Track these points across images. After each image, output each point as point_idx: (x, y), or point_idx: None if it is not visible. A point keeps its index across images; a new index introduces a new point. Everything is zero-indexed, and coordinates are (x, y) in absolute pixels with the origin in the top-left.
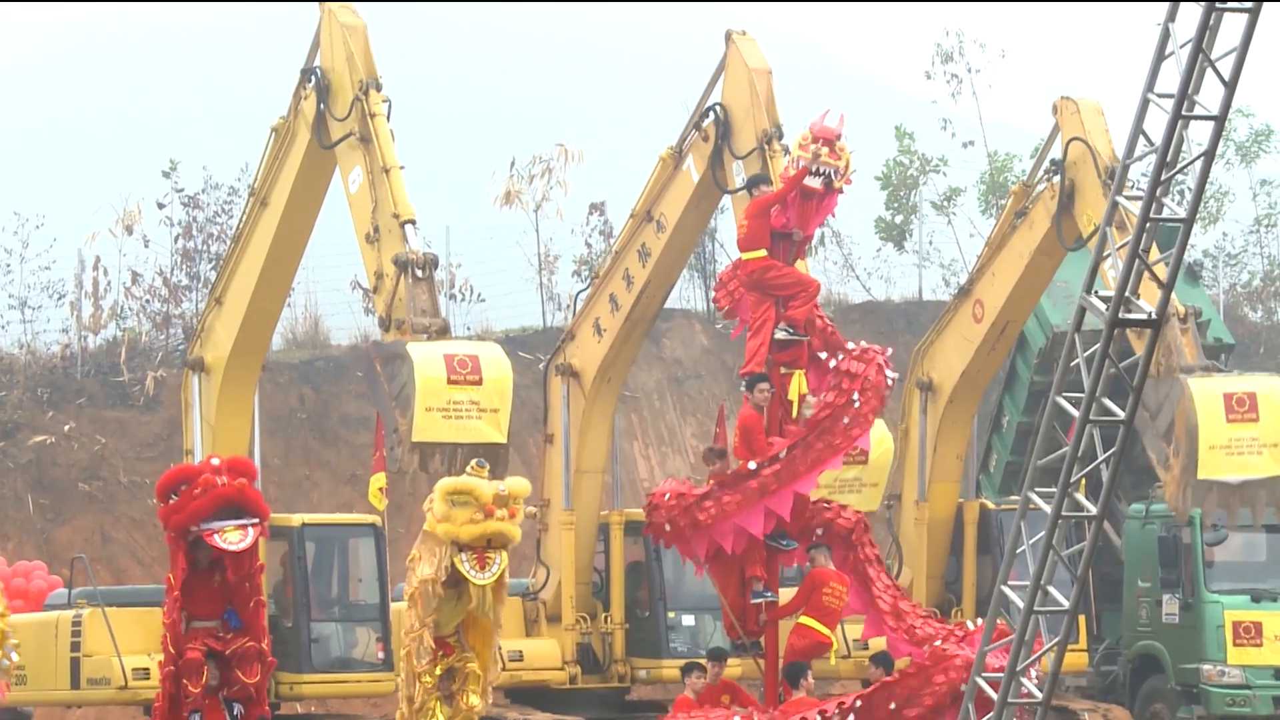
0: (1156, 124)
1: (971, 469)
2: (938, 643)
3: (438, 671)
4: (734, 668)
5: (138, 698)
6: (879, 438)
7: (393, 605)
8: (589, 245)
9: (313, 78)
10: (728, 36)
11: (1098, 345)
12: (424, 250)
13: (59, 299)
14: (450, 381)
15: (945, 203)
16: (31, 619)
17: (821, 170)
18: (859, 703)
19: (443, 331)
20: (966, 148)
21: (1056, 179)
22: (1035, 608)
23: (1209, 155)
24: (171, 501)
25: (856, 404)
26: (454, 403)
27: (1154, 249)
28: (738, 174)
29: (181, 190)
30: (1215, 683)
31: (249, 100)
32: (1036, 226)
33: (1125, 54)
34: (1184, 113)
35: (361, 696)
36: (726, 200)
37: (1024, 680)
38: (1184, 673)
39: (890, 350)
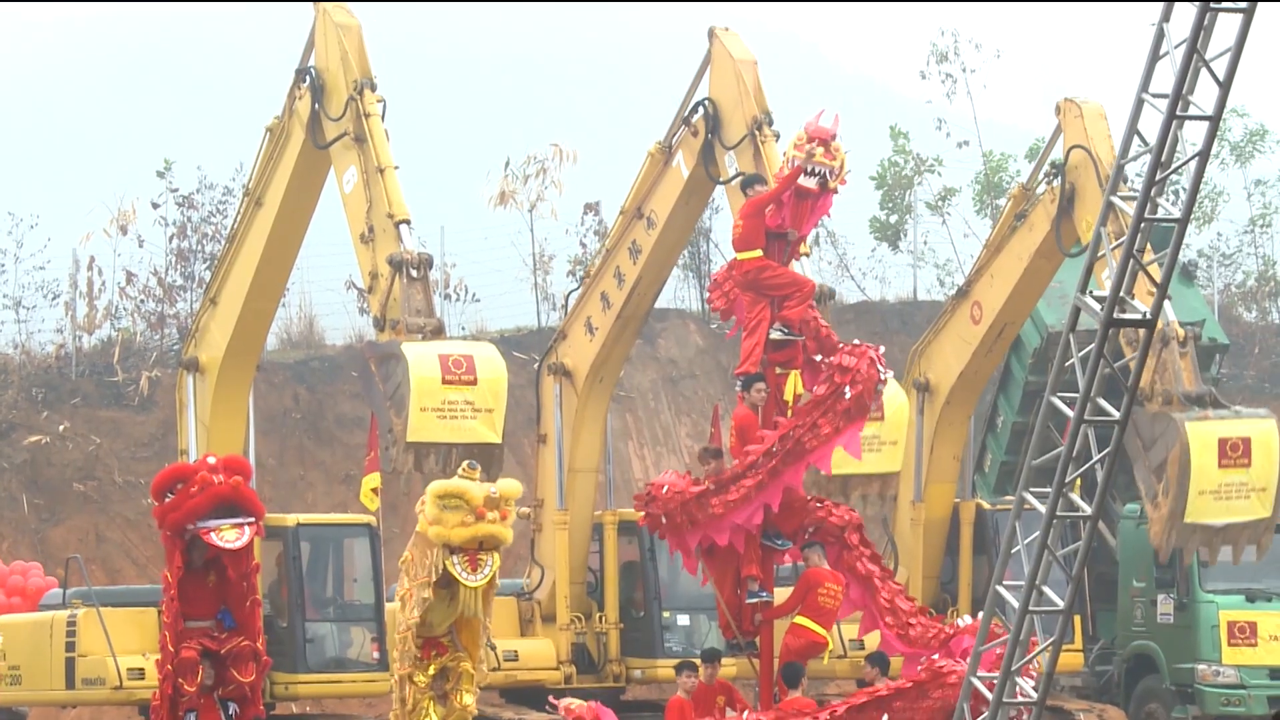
0: (1151, 124)
1: (967, 469)
2: (935, 656)
3: (431, 671)
4: (729, 667)
5: (132, 698)
6: (892, 394)
7: (387, 605)
8: (583, 245)
9: (307, 77)
10: (710, 33)
11: (1092, 345)
12: (419, 250)
13: (54, 299)
14: (445, 381)
15: (940, 203)
16: (26, 619)
17: (816, 170)
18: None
19: (437, 331)
20: (961, 148)
21: (1057, 182)
22: (1030, 608)
23: (1203, 155)
24: (167, 500)
25: (847, 396)
26: (449, 403)
27: (1148, 249)
28: (731, 166)
29: (176, 190)
30: (1210, 682)
31: (244, 100)
32: (1036, 229)
33: (1120, 54)
34: (1178, 113)
35: (356, 696)
36: (719, 200)
37: (1019, 680)
38: (1179, 672)
39: (883, 348)
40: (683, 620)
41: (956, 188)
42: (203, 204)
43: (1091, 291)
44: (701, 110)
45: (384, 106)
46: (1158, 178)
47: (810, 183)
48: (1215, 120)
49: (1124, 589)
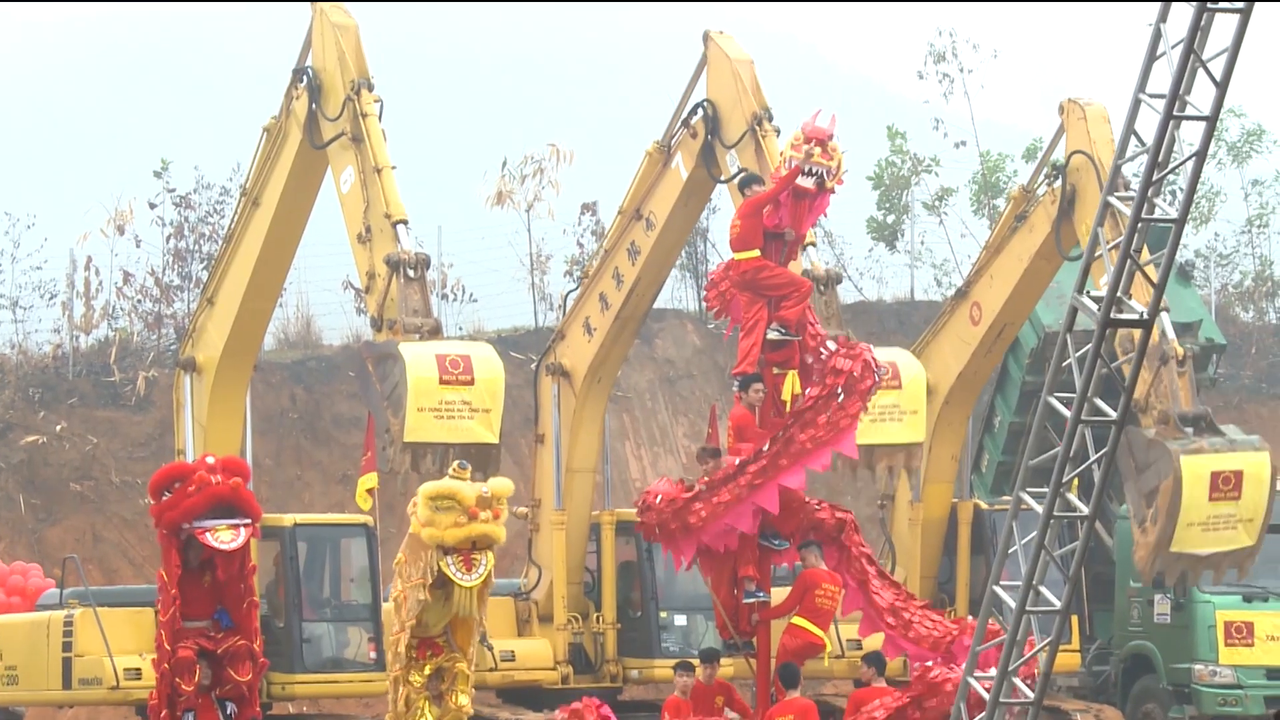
0: (1148, 124)
1: (964, 469)
2: (929, 664)
3: (426, 671)
4: (726, 667)
5: (129, 698)
6: (907, 363)
7: (384, 605)
8: (581, 245)
9: (304, 77)
10: (705, 36)
11: (1089, 345)
12: (416, 250)
13: (50, 299)
14: (442, 381)
15: (937, 203)
16: (23, 619)
17: (814, 170)
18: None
19: (435, 331)
20: (959, 148)
21: (1057, 184)
22: (1027, 608)
23: (1200, 155)
24: (164, 499)
25: (840, 398)
26: (446, 403)
27: (1144, 250)
28: (732, 164)
29: (173, 190)
30: (1207, 683)
31: (241, 100)
32: (1036, 230)
33: (1117, 54)
34: (1175, 113)
35: (353, 696)
36: (717, 200)
37: (1016, 680)
38: (1176, 673)
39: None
40: (680, 620)
41: (954, 188)
42: (200, 204)
43: (1089, 292)
44: (700, 112)
45: (381, 106)
46: (1155, 178)
47: (808, 183)
48: (1212, 120)
49: (1121, 589)
